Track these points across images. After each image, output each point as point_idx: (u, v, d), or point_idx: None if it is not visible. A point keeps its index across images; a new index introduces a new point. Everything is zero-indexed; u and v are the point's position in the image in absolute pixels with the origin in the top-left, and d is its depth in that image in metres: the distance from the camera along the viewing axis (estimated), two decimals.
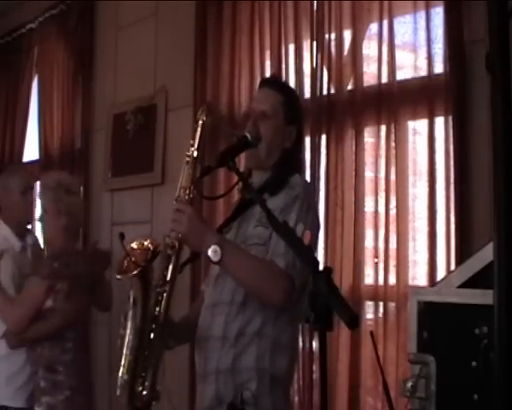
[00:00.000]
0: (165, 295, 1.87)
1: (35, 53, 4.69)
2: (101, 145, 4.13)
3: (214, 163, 1.83)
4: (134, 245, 1.91)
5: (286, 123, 2.03)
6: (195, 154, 1.91)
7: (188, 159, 1.92)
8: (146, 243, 1.91)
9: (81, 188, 4.16)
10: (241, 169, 2.02)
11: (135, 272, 1.84)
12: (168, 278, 1.87)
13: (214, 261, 1.79)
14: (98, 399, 3.61)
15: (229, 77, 3.26)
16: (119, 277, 1.87)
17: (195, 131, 1.93)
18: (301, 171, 2.19)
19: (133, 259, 1.85)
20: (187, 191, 1.90)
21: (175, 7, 3.63)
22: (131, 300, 1.88)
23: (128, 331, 1.87)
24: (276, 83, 2.20)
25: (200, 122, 1.93)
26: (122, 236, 1.86)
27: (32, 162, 4.74)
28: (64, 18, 4.36)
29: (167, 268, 1.88)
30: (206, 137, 1.96)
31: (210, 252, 1.78)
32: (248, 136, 1.88)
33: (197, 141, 1.92)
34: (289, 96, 2.09)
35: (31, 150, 4.79)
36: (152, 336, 1.86)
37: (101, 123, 4.14)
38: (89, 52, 4.22)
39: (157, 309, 1.87)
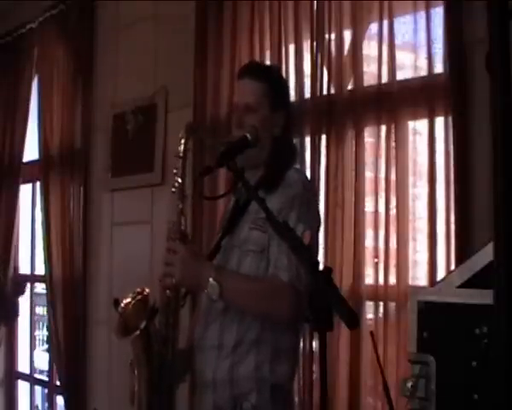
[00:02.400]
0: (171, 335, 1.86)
1: (35, 53, 4.67)
2: (101, 145, 4.13)
3: (214, 163, 1.79)
4: (129, 298, 1.89)
5: (273, 110, 1.96)
6: (180, 181, 1.90)
7: (174, 189, 1.90)
8: (142, 291, 1.90)
9: (81, 188, 4.18)
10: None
11: (135, 334, 1.83)
12: (171, 320, 1.86)
13: (214, 299, 1.76)
14: (98, 398, 3.60)
15: (229, 77, 3.25)
16: (121, 339, 1.85)
17: (178, 159, 1.91)
18: (296, 160, 2.08)
19: (131, 320, 1.85)
20: (178, 225, 1.87)
21: (175, 7, 3.63)
22: (136, 360, 1.86)
23: (137, 385, 1.86)
24: (256, 71, 2.04)
25: (182, 150, 1.91)
26: (116, 302, 1.86)
27: (31, 162, 4.74)
28: (64, 18, 4.34)
29: (169, 310, 1.86)
30: (188, 164, 1.94)
31: (208, 290, 1.75)
32: (248, 136, 1.85)
33: (181, 170, 1.91)
34: (273, 82, 1.99)
35: (31, 150, 4.78)
36: (162, 382, 1.84)
37: (101, 123, 4.14)
38: (89, 52, 4.21)
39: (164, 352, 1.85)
